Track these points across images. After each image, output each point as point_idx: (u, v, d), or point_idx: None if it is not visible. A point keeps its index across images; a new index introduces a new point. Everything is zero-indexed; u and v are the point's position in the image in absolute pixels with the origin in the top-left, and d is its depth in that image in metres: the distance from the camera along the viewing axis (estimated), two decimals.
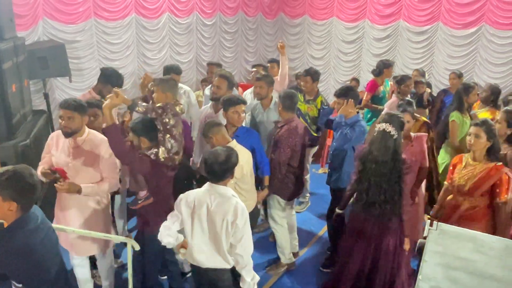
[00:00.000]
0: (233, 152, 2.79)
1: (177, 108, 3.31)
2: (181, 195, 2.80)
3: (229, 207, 2.67)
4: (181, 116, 3.44)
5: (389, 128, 3.23)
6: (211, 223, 2.70)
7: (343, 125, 3.98)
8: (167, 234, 2.72)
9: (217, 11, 8.74)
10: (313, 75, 5.17)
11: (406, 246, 3.42)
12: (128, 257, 2.80)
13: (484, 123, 3.25)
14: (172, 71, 5.07)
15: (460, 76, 6.38)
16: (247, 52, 9.86)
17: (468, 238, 1.62)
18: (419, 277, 1.39)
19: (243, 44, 9.68)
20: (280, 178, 3.98)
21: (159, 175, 3.12)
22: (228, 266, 2.79)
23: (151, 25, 7.45)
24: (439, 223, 1.64)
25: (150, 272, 3.21)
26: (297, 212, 5.40)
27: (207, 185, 2.79)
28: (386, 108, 5.42)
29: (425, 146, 3.93)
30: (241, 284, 2.77)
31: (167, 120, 3.14)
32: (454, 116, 4.64)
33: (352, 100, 3.99)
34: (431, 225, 1.62)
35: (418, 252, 1.50)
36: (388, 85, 6.18)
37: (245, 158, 3.47)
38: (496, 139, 3.26)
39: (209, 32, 8.67)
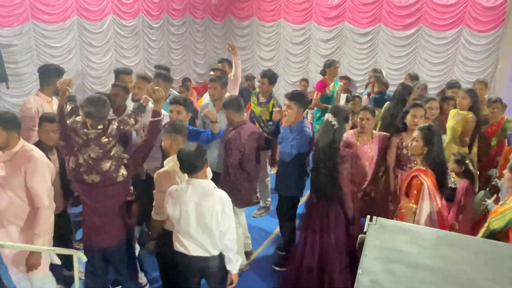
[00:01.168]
0: (199, 144, 2.96)
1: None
2: (167, 195, 2.91)
3: (215, 198, 2.83)
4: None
5: (331, 118, 3.55)
6: (199, 216, 2.82)
7: (289, 133, 4.01)
8: None
9: (163, 13, 8.61)
10: (270, 77, 5.19)
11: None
12: (75, 271, 2.69)
13: (424, 129, 3.27)
14: (122, 72, 4.92)
15: (414, 78, 6.66)
16: (196, 54, 9.78)
17: (403, 231, 1.70)
18: (359, 271, 1.44)
19: (191, 46, 9.60)
20: (231, 182, 3.98)
21: None
22: (217, 253, 2.94)
23: (95, 27, 7.22)
24: (379, 218, 1.71)
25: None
26: (254, 216, 5.46)
27: (187, 181, 2.86)
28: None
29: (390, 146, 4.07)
30: (228, 267, 2.97)
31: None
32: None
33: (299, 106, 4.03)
34: (371, 220, 1.68)
35: (359, 247, 1.56)
36: (337, 84, 6.36)
37: None
38: (434, 147, 3.24)
39: (156, 35, 8.53)
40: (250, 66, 10.04)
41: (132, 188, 3.75)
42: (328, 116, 3.59)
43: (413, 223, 3.04)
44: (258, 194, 5.42)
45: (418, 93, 5.18)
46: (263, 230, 5.19)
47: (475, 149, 5.08)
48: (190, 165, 2.80)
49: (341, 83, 6.22)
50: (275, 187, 4.31)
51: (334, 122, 3.53)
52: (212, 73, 5.36)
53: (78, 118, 3.19)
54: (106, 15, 7.35)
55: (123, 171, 3.23)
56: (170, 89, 4.75)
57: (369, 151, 4.05)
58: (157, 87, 3.40)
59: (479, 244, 1.86)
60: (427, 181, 3.12)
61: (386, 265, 1.48)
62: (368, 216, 1.71)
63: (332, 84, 6.24)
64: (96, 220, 3.26)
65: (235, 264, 2.99)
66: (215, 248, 2.92)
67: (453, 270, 1.51)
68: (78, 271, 2.81)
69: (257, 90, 5.28)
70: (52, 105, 4.29)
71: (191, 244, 2.90)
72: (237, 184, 4.00)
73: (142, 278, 3.97)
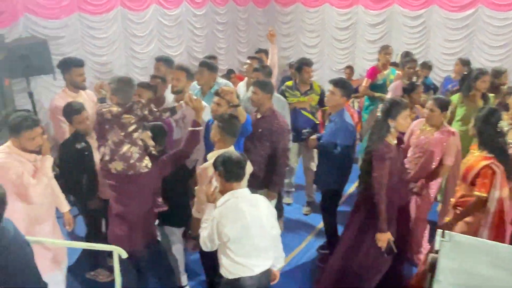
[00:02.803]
0: (241, 152, 2.89)
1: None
2: (216, 215, 2.61)
3: (262, 202, 2.72)
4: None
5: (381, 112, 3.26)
6: (258, 226, 2.64)
7: (328, 122, 3.88)
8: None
9: (207, 1, 8.48)
10: (310, 63, 4.98)
11: (381, 242, 3.23)
12: (115, 268, 2.63)
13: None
14: (162, 61, 4.69)
15: (465, 64, 6.16)
16: (239, 42, 9.61)
17: (484, 250, 1.44)
18: None
19: (234, 35, 9.44)
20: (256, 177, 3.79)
21: None
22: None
23: (138, 17, 7.20)
24: (451, 233, 1.47)
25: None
26: (307, 214, 5.27)
27: (232, 194, 2.65)
28: (389, 93, 5.28)
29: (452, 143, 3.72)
30: (278, 266, 2.90)
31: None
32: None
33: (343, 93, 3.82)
34: (442, 235, 1.45)
35: (430, 269, 1.33)
36: (394, 73, 5.93)
37: None
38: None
39: (200, 23, 8.41)
40: (294, 53, 9.75)
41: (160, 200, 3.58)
42: (380, 108, 3.30)
43: (482, 214, 2.89)
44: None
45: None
46: (307, 225, 5.01)
47: None
48: (238, 174, 2.64)
49: (399, 72, 5.78)
50: (315, 180, 4.13)
51: (381, 115, 3.22)
52: (248, 61, 5.17)
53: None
54: (149, 4, 7.32)
55: (147, 162, 3.10)
56: (218, 78, 4.57)
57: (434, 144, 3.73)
58: (195, 97, 3.24)
59: None
60: (500, 169, 2.94)
61: None
62: (439, 231, 1.48)
63: (386, 72, 5.85)
64: (121, 221, 3.17)
65: (282, 260, 2.92)
66: (279, 254, 2.83)
67: None
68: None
69: (290, 83, 5.00)
70: (79, 101, 4.24)
71: (254, 261, 2.66)
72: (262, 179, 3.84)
73: (184, 279, 3.87)
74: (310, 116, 4.93)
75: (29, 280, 2.05)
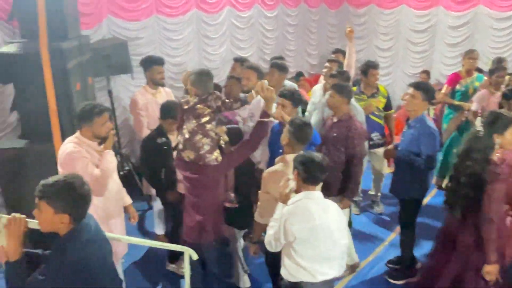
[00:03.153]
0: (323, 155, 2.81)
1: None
2: (284, 212, 2.58)
3: (334, 209, 2.66)
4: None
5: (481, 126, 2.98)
6: (328, 232, 2.56)
7: (407, 128, 3.69)
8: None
9: (279, 3, 8.45)
10: (377, 66, 4.90)
11: (490, 276, 2.90)
12: (185, 268, 2.64)
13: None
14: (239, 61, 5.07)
15: None
16: (309, 45, 9.47)
17: None
18: None
19: (304, 37, 9.32)
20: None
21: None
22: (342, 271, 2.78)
23: (212, 19, 7.33)
24: None
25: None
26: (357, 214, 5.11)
27: (306, 195, 2.60)
28: (474, 103, 4.91)
29: None
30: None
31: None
32: None
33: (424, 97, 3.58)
34: None
35: None
36: (480, 79, 5.48)
37: None
38: None
39: (271, 25, 8.41)
40: (366, 56, 9.39)
41: (233, 196, 3.60)
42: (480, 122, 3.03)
43: None
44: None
45: None
46: (376, 237, 4.78)
47: None
48: (316, 177, 2.59)
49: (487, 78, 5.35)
50: (391, 189, 3.90)
51: (485, 130, 2.90)
52: (327, 64, 5.04)
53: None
54: (223, 7, 7.43)
55: (217, 155, 3.13)
56: (285, 80, 4.55)
57: None
58: (268, 87, 3.18)
59: None
60: None
61: None
62: None
63: (469, 78, 5.43)
64: (193, 212, 3.20)
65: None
66: (342, 265, 2.67)
67: None
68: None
69: (354, 88, 4.82)
70: (157, 97, 4.52)
71: (318, 267, 2.58)
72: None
73: (245, 282, 3.83)
74: (378, 120, 4.75)
75: (107, 276, 2.10)
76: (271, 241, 2.63)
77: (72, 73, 4.12)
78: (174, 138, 3.70)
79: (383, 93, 4.83)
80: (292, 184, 2.70)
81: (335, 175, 3.67)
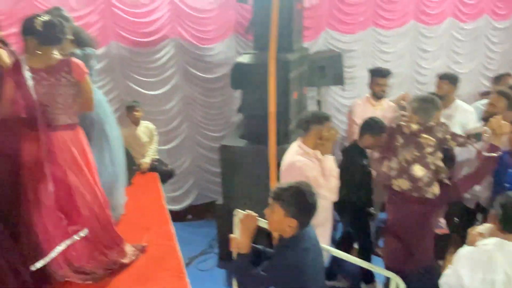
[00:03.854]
0: None
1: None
2: (464, 254, 2.28)
3: None
4: None
5: None
6: None
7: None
8: None
9: None
10: None
11: None
12: None
13: None
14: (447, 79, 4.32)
15: None
16: None
17: None
18: None
19: None
20: None
21: None
22: None
23: (430, 31, 6.87)
24: None
25: None
26: None
27: (500, 242, 2.21)
28: None
29: None
30: None
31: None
32: None
33: None
34: None
35: None
36: None
37: None
38: None
39: (499, 37, 7.41)
40: None
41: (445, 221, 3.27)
42: None
43: None
44: None
45: None
46: None
47: None
48: None
49: None
50: None
51: None
52: None
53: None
54: (444, 18, 6.88)
55: (435, 189, 2.88)
56: None
57: None
58: (504, 121, 2.82)
59: None
60: None
61: None
62: None
63: None
64: (396, 236, 3.01)
65: None
66: None
67: None
68: None
69: None
70: (376, 108, 4.42)
71: None
72: None
73: None
74: None
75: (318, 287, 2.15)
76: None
77: (292, 83, 4.41)
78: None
79: None
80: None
81: None
